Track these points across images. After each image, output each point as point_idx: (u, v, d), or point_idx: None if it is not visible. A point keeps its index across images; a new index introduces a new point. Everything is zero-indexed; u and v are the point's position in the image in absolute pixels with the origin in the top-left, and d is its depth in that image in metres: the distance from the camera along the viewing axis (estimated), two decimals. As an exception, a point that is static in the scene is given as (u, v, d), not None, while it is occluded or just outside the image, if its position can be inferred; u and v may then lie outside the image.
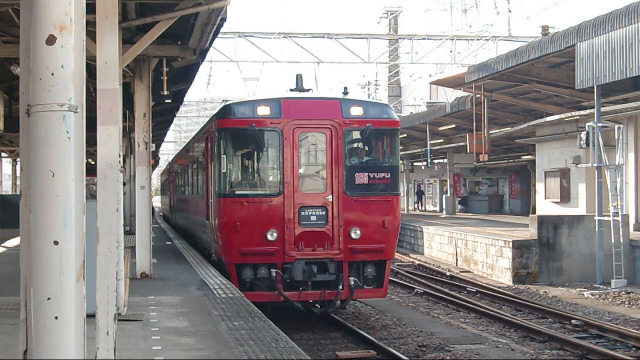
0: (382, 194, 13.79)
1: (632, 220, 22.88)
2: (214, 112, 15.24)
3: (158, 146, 39.16)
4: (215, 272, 14.23)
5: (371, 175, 13.70)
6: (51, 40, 3.58)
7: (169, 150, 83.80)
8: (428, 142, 38.35)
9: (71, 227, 3.63)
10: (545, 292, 18.86)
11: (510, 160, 41.34)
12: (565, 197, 28.27)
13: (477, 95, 29.09)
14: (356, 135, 13.90)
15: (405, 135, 39.66)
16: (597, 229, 19.91)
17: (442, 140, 41.24)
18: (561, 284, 20.33)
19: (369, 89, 61.66)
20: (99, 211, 6.94)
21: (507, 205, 45.31)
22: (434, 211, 48.70)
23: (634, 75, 18.48)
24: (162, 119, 25.59)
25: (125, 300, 9.74)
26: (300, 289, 13.13)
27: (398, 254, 25.71)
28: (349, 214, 13.42)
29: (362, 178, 13.62)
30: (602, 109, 21.21)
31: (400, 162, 27.39)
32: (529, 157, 36.30)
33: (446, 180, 44.29)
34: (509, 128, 32.19)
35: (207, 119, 16.78)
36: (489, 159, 32.89)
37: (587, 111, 24.21)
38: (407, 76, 52.30)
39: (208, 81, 54.12)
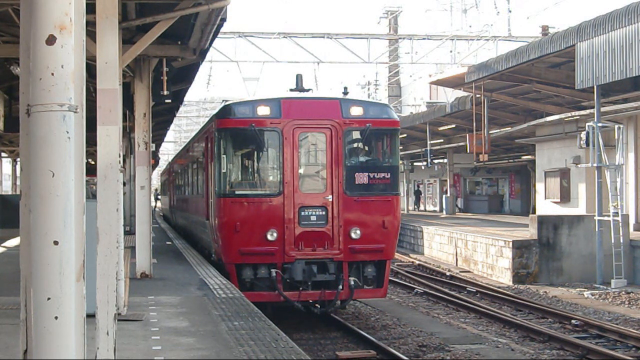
0: (382, 194, 13.79)
1: (632, 220, 22.88)
2: (214, 112, 15.24)
3: (158, 146, 39.17)
4: (215, 272, 14.23)
5: (371, 175, 13.70)
6: (51, 40, 3.58)
7: (169, 150, 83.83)
8: (428, 142, 38.35)
9: (71, 227, 3.63)
10: (545, 292, 18.86)
11: (510, 160, 41.34)
12: (565, 197, 28.28)
13: (477, 95, 29.09)
14: (356, 135, 13.89)
15: (405, 135, 39.66)
16: (597, 229, 19.91)
17: (442, 140, 41.24)
18: (561, 284, 20.33)
19: (369, 89, 61.68)
20: (99, 211, 6.94)
21: (507, 205, 45.32)
22: (434, 211, 48.70)
23: (634, 75, 18.47)
24: (162, 119, 25.59)
25: (125, 300, 9.74)
26: (300, 289, 13.13)
27: (398, 254, 25.71)
28: (349, 214, 13.42)
29: (362, 178, 13.62)
30: (602, 109, 21.21)
31: (400, 162, 27.38)
32: (529, 157, 36.30)
33: (446, 180, 44.30)
34: (509, 128, 32.19)
35: (207, 119, 16.78)
36: (489, 159, 32.89)
37: (587, 111, 24.21)
38: (407, 76, 52.32)
39: (208, 81, 54.12)
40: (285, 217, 13.21)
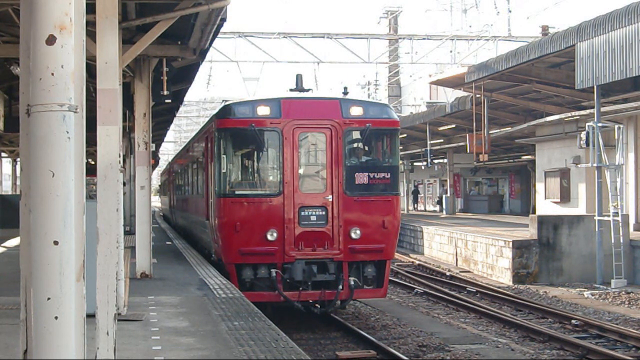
0: (382, 194, 13.79)
1: (632, 220, 22.87)
2: (214, 112, 15.24)
3: (158, 146, 39.16)
4: (215, 272, 14.23)
5: (371, 175, 13.70)
6: (51, 40, 3.58)
7: (169, 150, 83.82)
8: (428, 142, 38.35)
9: (71, 227, 3.63)
10: (545, 292, 18.86)
11: (510, 160, 41.34)
12: (565, 197, 28.27)
13: (477, 95, 29.09)
14: (356, 135, 13.89)
15: (405, 135, 39.66)
16: (597, 229, 19.91)
17: (442, 140, 41.24)
18: (561, 284, 20.33)
19: (369, 89, 61.67)
20: (99, 211, 6.94)
21: (507, 205, 45.32)
22: (434, 211, 48.71)
23: (634, 75, 18.48)
24: (162, 119, 25.59)
25: (125, 300, 9.74)
26: (300, 289, 13.12)
27: (398, 254, 25.71)
28: (349, 214, 13.41)
29: (362, 178, 13.62)
30: (602, 109, 21.21)
31: (400, 162, 27.38)
32: (529, 157, 36.30)
33: (446, 180, 44.31)
34: (509, 128, 32.19)
35: (207, 119, 16.78)
36: (489, 159, 32.88)
37: (587, 111, 24.21)
38: (407, 76, 52.33)
39: (208, 81, 54.00)
40: (285, 217, 13.21)
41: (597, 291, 18.64)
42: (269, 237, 13.14)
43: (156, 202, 63.35)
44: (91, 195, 12.31)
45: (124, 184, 20.59)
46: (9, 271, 13.56)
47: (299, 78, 14.79)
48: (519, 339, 13.27)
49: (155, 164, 37.87)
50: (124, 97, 13.45)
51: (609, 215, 19.80)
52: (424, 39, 36.68)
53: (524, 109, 31.81)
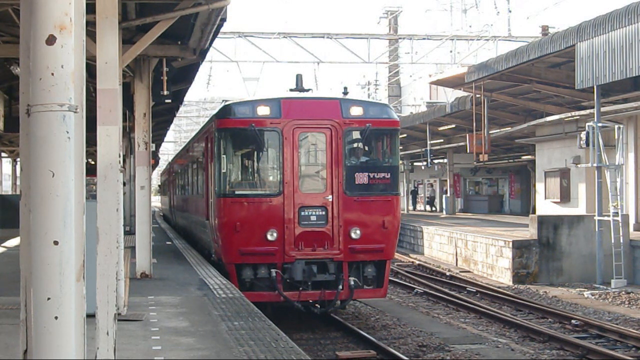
0: (382, 194, 13.79)
1: (632, 220, 22.87)
2: (214, 112, 15.24)
3: (158, 146, 39.16)
4: (215, 272, 14.23)
5: (371, 175, 13.70)
6: (51, 40, 3.58)
7: (169, 150, 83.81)
8: (428, 142, 38.35)
9: (71, 227, 3.63)
10: (545, 292, 18.86)
11: (510, 160, 41.34)
12: (565, 197, 28.27)
13: (477, 95, 29.09)
14: (356, 135, 13.89)
15: (405, 135, 39.65)
16: (597, 229, 19.91)
17: (442, 140, 41.24)
18: (561, 284, 20.33)
19: (369, 89, 61.66)
20: (99, 211, 6.94)
21: (507, 205, 45.33)
22: (434, 211, 48.71)
23: (634, 75, 18.47)
24: (162, 119, 25.59)
25: (125, 300, 9.74)
26: (300, 289, 13.12)
27: (398, 254, 25.71)
28: (349, 214, 13.41)
29: (362, 178, 13.62)
30: (602, 109, 21.20)
31: (400, 162, 27.38)
32: (529, 157, 36.30)
33: (446, 180, 44.31)
34: (509, 128, 32.19)
35: (207, 119, 16.78)
36: (489, 159, 32.88)
37: (587, 111, 24.21)
38: (407, 76, 52.33)
39: (208, 81, 54.05)
40: (285, 217, 13.21)
41: (597, 291, 18.64)
42: (269, 237, 13.14)
43: (156, 202, 63.35)
44: (92, 195, 12.31)
45: (124, 184, 20.60)
46: (9, 271, 13.56)
47: (299, 78, 14.79)
48: (519, 339, 13.27)
49: (155, 164, 37.89)
50: (124, 97, 13.44)
51: (609, 215, 19.80)
52: (424, 39, 36.68)
53: (524, 109, 31.81)
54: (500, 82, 27.41)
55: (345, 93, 14.89)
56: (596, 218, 20.06)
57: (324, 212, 13.36)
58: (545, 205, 29.71)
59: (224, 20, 11.77)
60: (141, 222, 13.94)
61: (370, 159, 14.10)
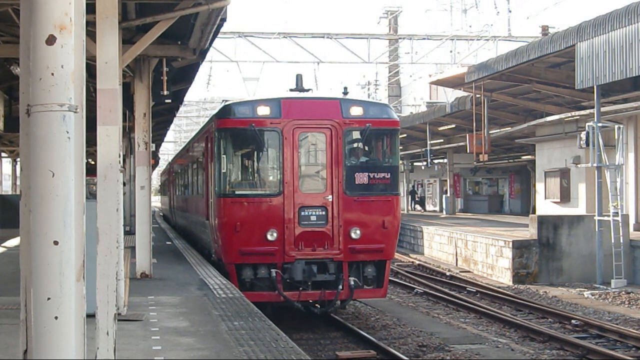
0: (382, 194, 13.79)
1: (632, 220, 22.87)
2: (214, 112, 15.24)
3: (158, 146, 39.16)
4: (215, 272, 14.23)
5: (371, 175, 13.70)
6: (51, 40, 3.58)
7: (169, 150, 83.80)
8: (428, 142, 38.35)
9: (71, 227, 3.63)
10: (545, 292, 18.86)
11: (510, 160, 41.34)
12: (565, 197, 28.27)
13: (477, 95, 29.09)
14: (356, 135, 13.89)
15: (405, 135, 39.65)
16: (597, 229, 19.91)
17: (442, 140, 41.24)
18: (561, 284, 20.32)
19: (369, 89, 61.65)
20: (99, 211, 6.94)
21: (507, 205, 45.33)
22: (434, 211, 48.72)
23: (634, 75, 18.47)
24: (162, 119, 25.59)
25: (125, 300, 9.74)
26: (300, 289, 13.12)
27: (398, 254, 25.70)
28: (349, 214, 13.41)
29: (362, 178, 13.62)
30: (602, 109, 21.20)
31: (400, 162, 27.38)
32: (529, 157, 36.30)
33: (446, 180, 44.31)
34: (509, 128, 32.19)
35: (207, 119, 16.78)
36: (489, 159, 32.88)
37: (587, 111, 24.21)
38: (407, 76, 52.33)
39: (208, 81, 53.96)
40: (285, 217, 13.20)
41: (597, 291, 18.64)
42: (269, 237, 13.14)
43: (156, 202, 63.36)
44: (91, 194, 12.31)
45: (124, 184, 20.59)
46: (9, 271, 13.56)
47: (299, 78, 14.79)
48: (519, 339, 13.27)
49: (155, 164, 37.88)
50: (124, 97, 13.45)
51: (609, 215, 19.80)
52: (424, 39, 36.67)
53: (524, 109, 31.81)
54: (500, 82, 27.41)
55: (345, 93, 14.89)
56: (596, 218, 20.06)
57: (324, 212, 13.36)
58: (545, 205, 29.71)
59: (224, 20, 11.77)
60: (141, 222, 13.94)
61: (370, 159, 14.10)
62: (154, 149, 24.75)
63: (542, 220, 21.30)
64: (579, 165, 26.11)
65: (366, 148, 14.13)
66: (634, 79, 21.67)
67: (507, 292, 18.50)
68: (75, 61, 3.69)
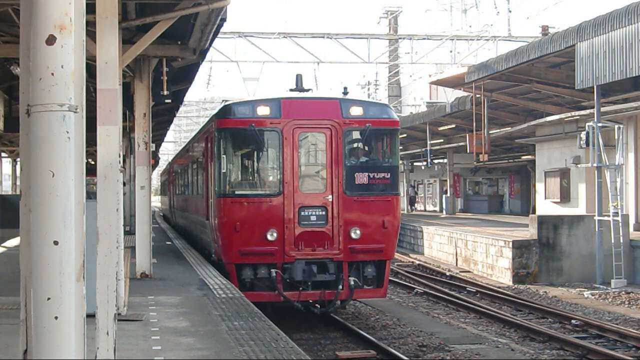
0: (382, 194, 13.79)
1: (632, 220, 22.87)
2: (214, 112, 15.24)
3: (158, 146, 39.16)
4: (215, 272, 14.23)
5: (371, 175, 13.70)
6: (51, 40, 3.58)
7: (169, 150, 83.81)
8: (428, 142, 38.35)
9: (71, 227, 3.63)
10: (545, 292, 18.86)
11: (510, 160, 41.35)
12: (565, 197, 28.27)
13: (477, 95, 29.09)
14: (356, 135, 13.89)
15: (405, 135, 39.66)
16: (597, 229, 19.91)
17: (442, 140, 41.24)
18: (561, 284, 20.32)
19: (369, 89, 61.67)
20: (99, 211, 6.94)
21: (507, 205, 45.34)
22: (434, 211, 48.72)
23: (634, 75, 18.47)
24: (162, 119, 25.59)
25: (125, 300, 9.74)
26: (300, 289, 13.12)
27: (398, 254, 25.70)
28: (348, 214, 13.41)
29: (362, 178, 13.62)
30: (602, 109, 21.20)
31: (400, 162, 27.39)
32: (529, 157, 36.31)
33: (446, 180, 44.32)
34: (509, 128, 32.19)
35: (207, 119, 16.78)
36: (489, 159, 32.88)
37: (587, 111, 24.21)
38: (407, 76, 52.33)
39: (208, 81, 53.99)
40: (285, 217, 13.20)
41: (597, 291, 18.63)
42: (269, 237, 13.14)
43: (156, 202, 63.36)
44: (92, 194, 12.32)
45: (124, 184, 20.60)
46: (9, 271, 13.56)
47: (299, 78, 14.79)
48: (519, 339, 13.27)
49: (155, 164, 37.89)
50: (124, 97, 13.45)
51: (609, 215, 19.80)
52: (424, 39, 36.66)
53: (524, 109, 31.81)
54: (500, 82, 27.41)
55: (345, 93, 14.89)
56: (596, 218, 20.06)
57: (324, 212, 13.36)
58: (545, 205, 29.71)
59: (224, 20, 11.76)
60: (141, 222, 13.93)
61: (370, 159, 14.10)
62: (154, 149, 24.75)
63: (542, 220, 21.30)
64: (579, 165, 26.11)
65: (366, 148, 14.13)
66: (634, 79, 21.67)
67: (507, 292, 18.50)
68: (75, 61, 3.69)
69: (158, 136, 33.43)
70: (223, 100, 17.14)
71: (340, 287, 13.20)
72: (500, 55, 26.05)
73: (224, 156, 13.65)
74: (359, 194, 13.54)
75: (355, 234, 13.37)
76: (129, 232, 21.60)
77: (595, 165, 19.99)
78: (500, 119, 33.61)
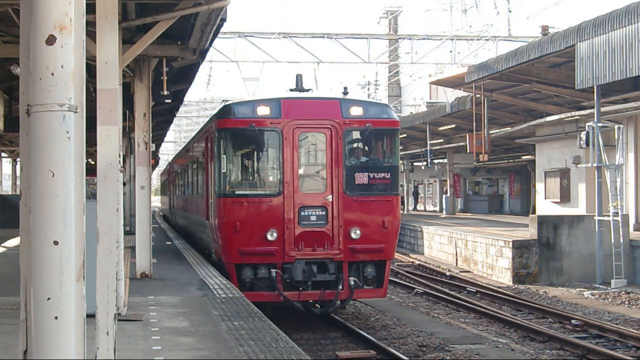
0: (382, 194, 13.79)
1: (632, 220, 22.87)
2: (214, 112, 15.24)
3: (158, 146, 39.16)
4: (215, 272, 14.23)
5: (371, 175, 13.70)
6: (51, 40, 3.58)
7: (169, 150, 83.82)
8: (428, 142, 38.35)
9: (71, 227, 3.63)
10: (545, 292, 18.86)
11: (510, 160, 41.35)
12: (565, 197, 28.27)
13: (477, 95, 29.09)
14: (356, 135, 13.89)
15: (405, 135, 39.66)
16: (597, 229, 19.90)
17: (442, 140, 41.24)
18: (561, 284, 20.32)
19: (369, 89, 61.67)
20: (99, 211, 6.94)
21: (507, 205, 45.34)
22: (434, 211, 48.73)
23: (634, 75, 18.47)
24: (162, 119, 25.59)
25: (125, 300, 9.74)
26: (300, 289, 13.12)
27: (398, 254, 25.70)
28: (349, 214, 13.41)
29: (362, 178, 13.62)
30: (602, 109, 21.20)
31: (400, 162, 27.38)
32: (529, 157, 36.31)
33: (446, 180, 44.32)
34: (509, 128, 32.19)
35: (207, 119, 16.78)
36: (489, 159, 32.88)
37: (587, 111, 24.21)
38: (407, 76, 52.34)
39: (208, 81, 53.98)
40: (285, 217, 13.20)
41: (597, 291, 18.63)
42: (269, 237, 13.14)
43: (156, 202, 63.36)
44: (92, 194, 12.32)
45: (124, 184, 20.60)
46: (9, 271, 13.57)
47: (299, 78, 14.79)
48: (519, 339, 13.27)
49: (155, 164, 37.88)
50: (124, 97, 13.45)
51: (609, 215, 19.79)
52: (424, 39, 36.66)
53: (524, 109, 31.81)
54: (500, 82, 27.41)
55: (345, 93, 14.89)
56: (596, 218, 20.06)
57: (324, 212, 13.36)
58: (545, 205, 29.71)
59: (224, 20, 11.77)
60: (141, 222, 13.93)
61: (370, 159, 14.10)
62: (154, 149, 24.76)
63: (542, 220, 21.30)
64: (579, 165, 26.11)
65: (366, 148, 14.13)
66: (634, 79, 21.67)
67: (507, 292, 18.50)
68: (75, 61, 3.69)
69: (158, 136, 33.43)
70: (223, 100, 17.14)
71: (340, 287, 13.20)
72: (500, 55, 26.05)
73: (224, 156, 13.65)
74: (359, 194, 13.54)
75: (355, 234, 13.37)
76: (129, 232, 21.60)
77: (595, 165, 19.99)
78: (500, 119, 33.61)
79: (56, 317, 3.55)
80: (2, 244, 20.21)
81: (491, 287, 19.56)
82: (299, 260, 13.13)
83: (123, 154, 15.96)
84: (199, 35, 12.64)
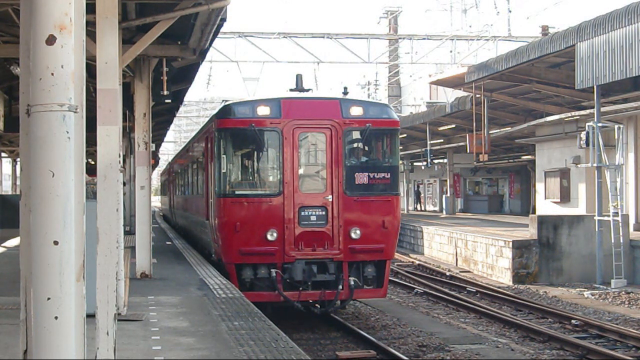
0: (382, 194, 13.79)
1: (632, 220, 22.87)
2: (214, 112, 15.25)
3: (158, 146, 39.17)
4: (215, 272, 14.23)
5: (371, 175, 13.70)
6: (51, 40, 3.58)
7: (169, 150, 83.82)
8: (428, 142, 38.35)
9: (71, 227, 3.63)
10: (545, 292, 18.86)
11: (510, 160, 41.35)
12: (565, 197, 28.27)
13: (477, 95, 29.09)
14: (356, 135, 13.89)
15: (405, 135, 39.66)
16: (597, 229, 19.91)
17: (442, 140, 41.24)
18: (561, 284, 20.33)
19: (369, 89, 61.67)
20: (99, 211, 6.94)
21: (507, 205, 45.34)
22: (434, 211, 48.73)
23: (634, 75, 18.47)
24: (162, 119, 25.59)
25: (125, 300, 9.74)
26: (300, 289, 13.12)
27: (398, 254, 25.70)
28: (349, 214, 13.41)
29: (362, 178, 13.62)
30: (602, 109, 21.20)
31: (400, 162, 27.38)
32: (529, 157, 36.31)
33: (446, 180, 44.32)
34: (509, 128, 32.20)
35: (207, 119, 16.78)
36: (489, 159, 32.88)
37: (587, 111, 24.21)
38: (407, 76, 52.33)
39: (208, 81, 53.98)
40: (285, 217, 13.20)
41: (597, 291, 18.64)
42: (269, 237, 13.14)
43: (156, 202, 63.35)
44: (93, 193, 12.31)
45: (124, 184, 20.60)
46: (9, 271, 13.57)
47: (299, 78, 14.79)
48: (519, 339, 13.27)
49: (155, 164, 37.87)
50: (124, 97, 13.45)
51: (609, 215, 19.80)
52: (424, 39, 36.66)
53: (524, 109, 31.81)
54: (500, 82, 27.41)
55: (345, 93, 14.89)
56: (596, 218, 20.06)
57: (324, 212, 13.36)
58: (545, 205, 29.71)
59: (224, 20, 11.77)
60: (141, 222, 13.93)
61: (370, 159, 14.10)
62: (154, 149, 24.78)
63: (542, 220, 21.30)
64: (579, 165, 26.11)
65: (366, 148, 14.13)
66: (634, 79, 21.67)
67: (507, 292, 18.50)
68: (75, 61, 3.69)
69: (158, 136, 33.43)
70: (223, 100, 17.13)
71: (340, 287, 13.20)
72: (500, 55, 26.05)
73: (224, 156, 13.65)
74: (359, 194, 13.54)
75: (355, 234, 13.37)
76: (129, 232, 21.60)
77: (595, 165, 19.99)
78: (500, 119, 33.61)
79: (56, 317, 3.55)
80: (2, 244, 20.21)
81: (491, 287, 19.56)
82: (299, 260, 13.13)
83: (123, 154, 15.95)
84: (199, 35, 12.64)
